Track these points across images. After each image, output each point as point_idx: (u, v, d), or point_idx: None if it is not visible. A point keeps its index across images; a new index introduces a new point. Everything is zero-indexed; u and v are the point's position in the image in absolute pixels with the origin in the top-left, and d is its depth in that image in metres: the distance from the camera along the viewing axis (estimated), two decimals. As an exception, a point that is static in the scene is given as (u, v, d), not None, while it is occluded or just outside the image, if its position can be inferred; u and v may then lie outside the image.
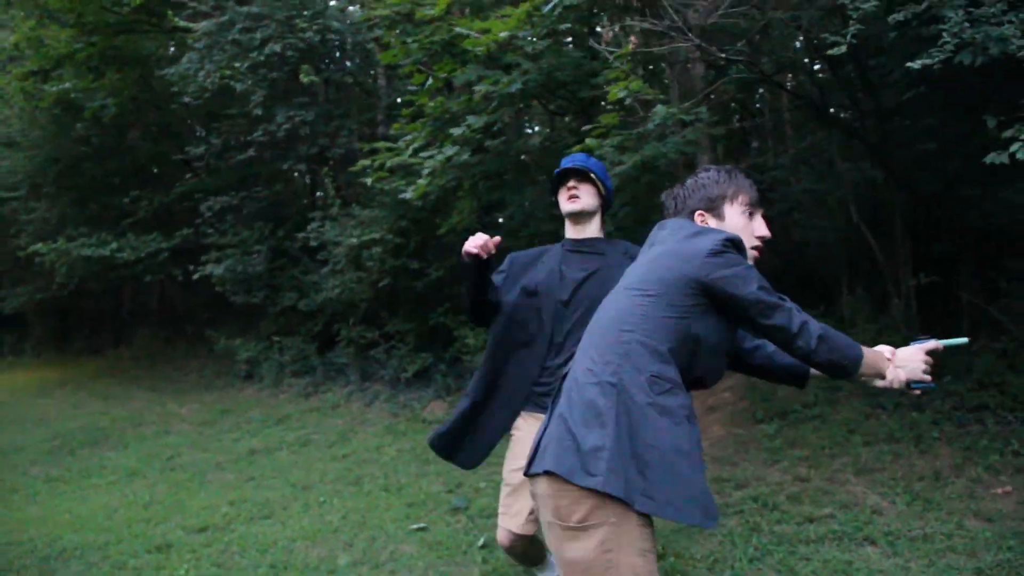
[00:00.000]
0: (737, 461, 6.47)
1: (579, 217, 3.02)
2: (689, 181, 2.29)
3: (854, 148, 8.70)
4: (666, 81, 10.08)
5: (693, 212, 2.24)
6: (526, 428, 3.00)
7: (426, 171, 6.52)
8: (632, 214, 6.89)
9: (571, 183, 3.00)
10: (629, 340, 2.05)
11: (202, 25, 9.15)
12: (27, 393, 14.76)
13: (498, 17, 5.40)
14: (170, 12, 9.36)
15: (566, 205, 3.02)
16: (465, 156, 6.56)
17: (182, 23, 9.29)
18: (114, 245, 12.29)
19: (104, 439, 9.71)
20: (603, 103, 5.94)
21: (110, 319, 20.00)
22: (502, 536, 3.04)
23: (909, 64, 3.61)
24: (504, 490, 3.08)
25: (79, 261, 12.80)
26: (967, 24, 3.62)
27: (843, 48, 3.84)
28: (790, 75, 7.82)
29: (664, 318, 2.04)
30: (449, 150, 6.36)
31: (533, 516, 2.94)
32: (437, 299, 9.51)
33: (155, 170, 13.59)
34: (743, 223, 2.23)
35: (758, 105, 12.82)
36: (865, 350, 2.05)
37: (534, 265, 3.10)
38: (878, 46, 5.38)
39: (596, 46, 4.93)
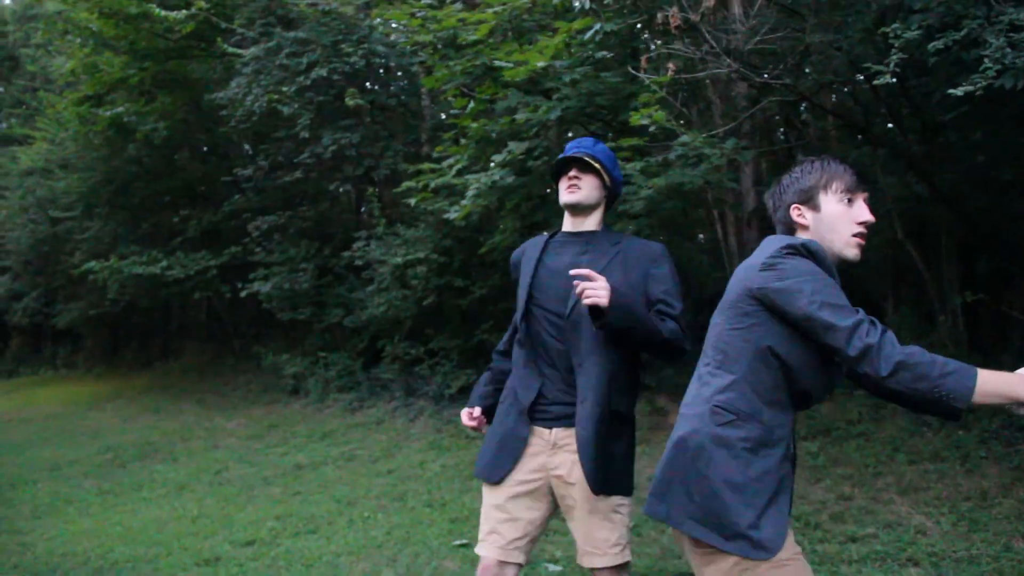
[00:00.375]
0: (780, 479, 6.44)
1: (577, 209, 2.76)
2: (784, 177, 2.21)
3: (898, 163, 8.66)
4: (702, 105, 10.14)
5: (789, 208, 2.15)
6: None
7: (470, 193, 6.63)
8: (656, 237, 6.94)
9: (573, 172, 2.73)
10: (706, 365, 2.09)
11: (250, 51, 9.40)
12: (80, 406, 15.11)
13: (535, 48, 5.51)
14: (220, 39, 9.62)
15: (564, 195, 2.75)
16: (509, 179, 6.65)
17: (231, 49, 9.55)
18: (164, 263, 12.59)
19: (154, 452, 9.93)
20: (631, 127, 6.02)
21: (160, 334, 20.44)
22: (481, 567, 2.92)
23: (951, 91, 3.63)
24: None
25: (130, 278, 13.13)
26: (1008, 49, 3.62)
27: (888, 78, 3.87)
28: (833, 95, 7.79)
29: (732, 331, 2.04)
30: (496, 174, 6.46)
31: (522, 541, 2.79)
32: (481, 316, 9.61)
33: (204, 190, 13.88)
34: (841, 211, 2.09)
35: (803, 120, 12.79)
36: (986, 375, 1.79)
37: (519, 262, 2.91)
38: (921, 67, 5.38)
39: (634, 72, 4.98)
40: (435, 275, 9.22)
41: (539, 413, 2.68)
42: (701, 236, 12.71)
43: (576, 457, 2.57)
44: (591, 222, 2.78)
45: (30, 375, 22.72)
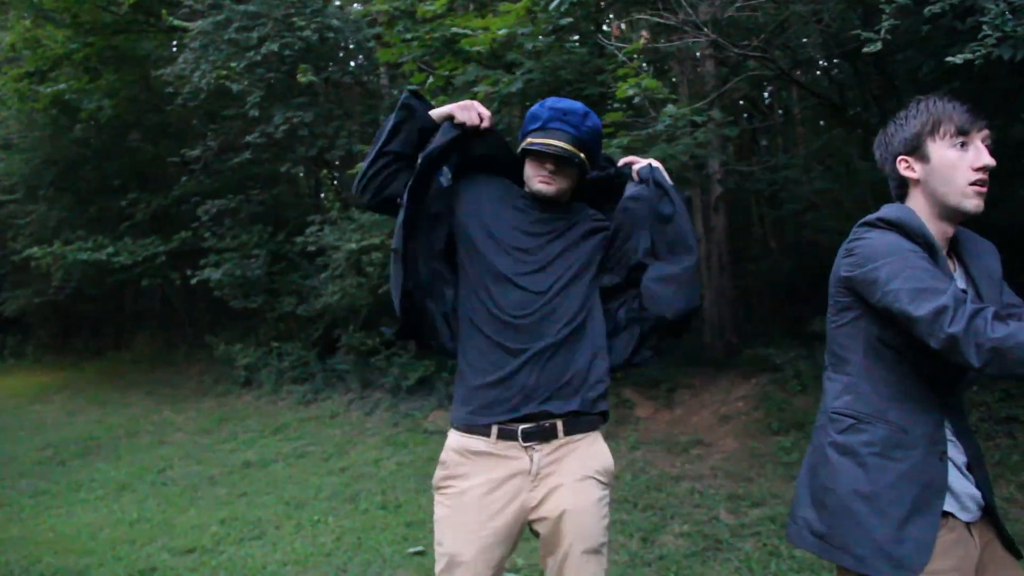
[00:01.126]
0: (752, 477, 6.18)
1: (548, 201, 2.29)
2: (890, 124, 1.93)
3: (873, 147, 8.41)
4: (674, 79, 9.79)
5: (896, 160, 1.88)
6: (476, 472, 2.17)
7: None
8: None
9: (550, 165, 2.22)
10: (824, 371, 1.92)
11: (196, 24, 8.88)
12: (25, 398, 14.49)
13: (497, 14, 5.11)
14: (164, 11, 9.08)
15: (536, 185, 2.24)
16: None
17: (177, 22, 9.02)
18: (110, 249, 12.04)
19: (97, 449, 9.45)
20: (610, 102, 5.63)
21: (111, 322, 19.76)
22: None
23: (949, 58, 3.31)
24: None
25: (76, 265, 12.55)
26: (1008, 15, 3.32)
27: (878, 45, 3.54)
28: (805, 73, 7.50)
29: (836, 328, 1.86)
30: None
31: None
32: (440, 305, 9.20)
33: (154, 172, 13.29)
34: (955, 157, 1.79)
35: (767, 102, 12.56)
36: None
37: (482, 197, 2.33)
38: (908, 39, 5.09)
39: (604, 42, 4.61)
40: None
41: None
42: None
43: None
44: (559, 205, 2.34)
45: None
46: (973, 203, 1.78)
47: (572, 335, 2.21)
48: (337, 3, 8.34)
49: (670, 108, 4.64)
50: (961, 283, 1.84)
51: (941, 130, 1.81)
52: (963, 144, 1.80)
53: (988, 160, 1.79)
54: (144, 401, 12.49)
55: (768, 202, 11.60)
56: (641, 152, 5.00)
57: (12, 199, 14.26)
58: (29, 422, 11.91)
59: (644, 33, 4.50)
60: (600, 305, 2.31)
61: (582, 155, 2.23)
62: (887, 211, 1.79)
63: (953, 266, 1.87)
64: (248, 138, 9.43)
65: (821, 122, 11.15)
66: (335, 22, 8.65)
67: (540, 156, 2.23)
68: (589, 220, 2.36)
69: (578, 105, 2.31)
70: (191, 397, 12.28)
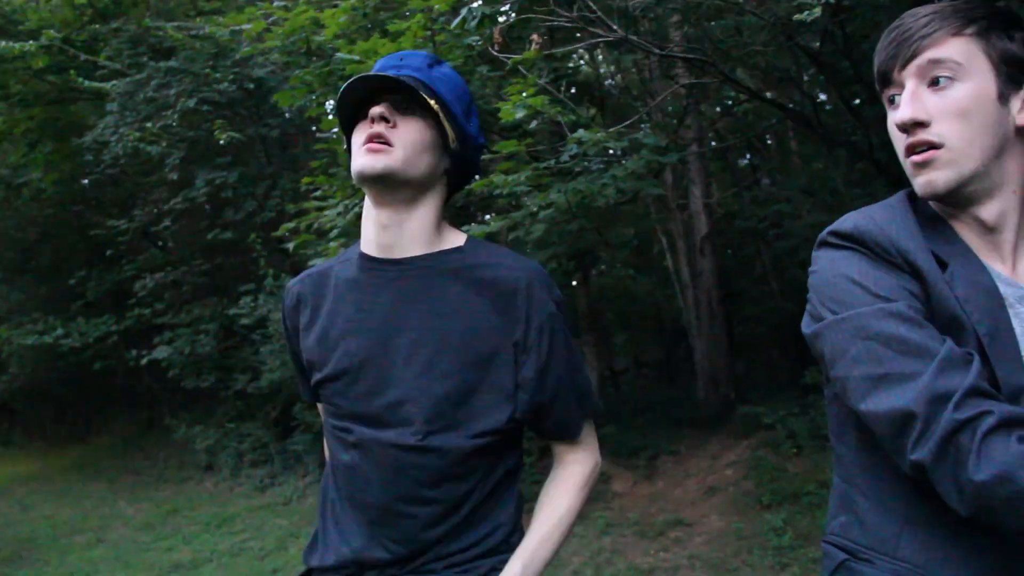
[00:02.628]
0: (737, 566, 5.18)
1: (384, 188, 1.43)
2: None
3: (864, 172, 7.55)
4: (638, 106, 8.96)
5: None
6: None
7: (334, 233, 5.42)
8: (559, 272, 5.63)
9: (380, 110, 1.41)
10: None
11: (111, 84, 8.18)
12: (-9, 491, 13.68)
13: (388, 38, 4.27)
14: (73, 72, 8.39)
15: (359, 159, 1.41)
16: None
17: (90, 84, 8.32)
18: (59, 331, 11.25)
19: (28, 553, 8.54)
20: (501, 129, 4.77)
21: (94, 405, 18.98)
22: None
23: None
24: None
25: (28, 350, 11.81)
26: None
27: (816, 11, 2.65)
28: (777, 89, 6.63)
29: (828, 404, 1.30)
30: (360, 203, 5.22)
31: None
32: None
33: (107, 247, 12.57)
34: (889, 121, 1.23)
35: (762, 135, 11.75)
36: None
37: (302, 316, 1.60)
38: (872, 21, 4.25)
39: (494, 52, 3.77)
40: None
41: None
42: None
43: None
44: (419, 218, 1.48)
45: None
46: (919, 183, 1.18)
47: None
48: (252, 48, 7.59)
49: (580, 133, 3.75)
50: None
51: (879, 86, 1.25)
52: (892, 98, 1.22)
53: (905, 114, 1.15)
54: (103, 492, 11.62)
55: (763, 239, 10.68)
56: (550, 190, 4.11)
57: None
58: (-27, 521, 11.05)
59: (535, 38, 3.63)
60: None
61: (432, 102, 1.41)
62: (849, 216, 1.20)
63: (1011, 269, 1.19)
64: (168, 205, 8.65)
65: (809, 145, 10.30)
66: (258, 72, 7.87)
67: (362, 100, 1.44)
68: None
69: (419, 53, 1.55)
70: (151, 485, 11.42)
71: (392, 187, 1.41)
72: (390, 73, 1.43)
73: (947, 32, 1.16)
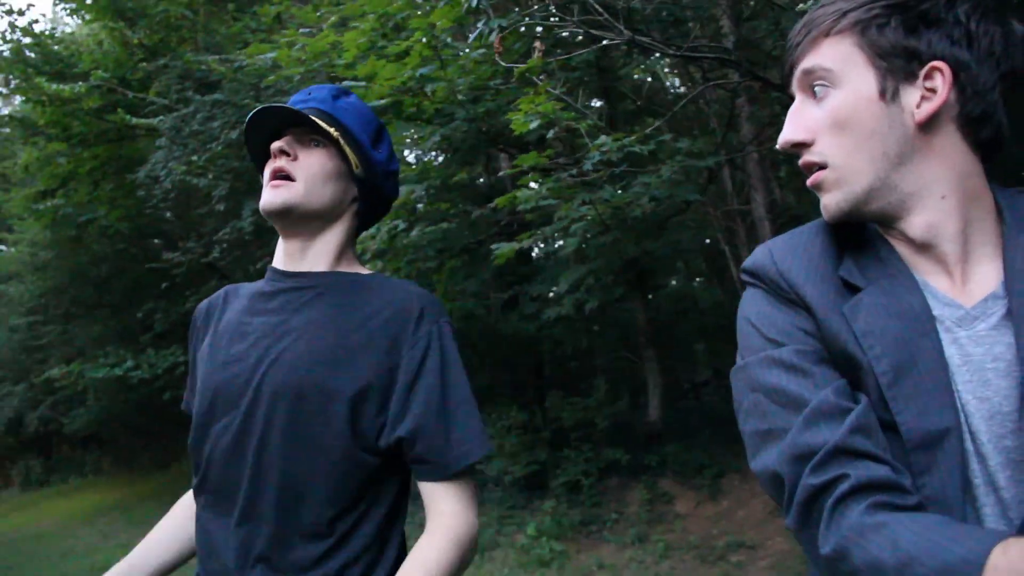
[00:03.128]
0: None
1: (288, 221, 1.46)
2: None
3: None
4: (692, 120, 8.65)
5: None
6: None
7: (367, 256, 5.32)
8: (597, 288, 5.39)
9: (278, 146, 1.43)
10: None
11: (158, 119, 8.31)
12: (77, 520, 14.14)
13: (385, 59, 4.13)
14: (122, 110, 8.56)
15: (263, 195, 1.45)
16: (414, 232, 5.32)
17: (134, 120, 8.48)
18: (129, 363, 11.51)
19: (100, 585, 8.68)
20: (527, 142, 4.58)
21: (174, 434, 19.48)
22: None
23: None
24: None
25: (101, 382, 12.13)
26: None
27: None
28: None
29: None
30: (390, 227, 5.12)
31: None
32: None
33: (172, 279, 12.88)
34: None
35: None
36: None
37: (208, 326, 1.56)
38: None
39: (500, 61, 3.58)
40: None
41: None
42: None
43: None
44: (323, 248, 1.50)
45: (60, 483, 22.09)
46: (821, 207, 1.06)
47: None
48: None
49: (603, 139, 3.54)
50: (994, 319, 0.98)
51: None
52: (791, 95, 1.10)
53: (781, 136, 1.06)
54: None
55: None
56: (572, 202, 3.90)
57: (36, 320, 14.08)
58: (61, 550, 11.34)
59: (538, 44, 3.43)
60: None
61: (333, 131, 1.45)
62: (757, 248, 1.13)
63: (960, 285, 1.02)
64: (217, 236, 8.72)
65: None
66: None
67: (271, 134, 1.50)
68: None
69: (325, 86, 1.58)
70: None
71: (296, 220, 1.45)
72: (295, 107, 1.46)
73: (818, 34, 1.02)
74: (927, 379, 0.93)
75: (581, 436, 7.67)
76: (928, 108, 0.97)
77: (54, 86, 8.50)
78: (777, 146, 1.05)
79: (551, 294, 5.49)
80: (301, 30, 5.55)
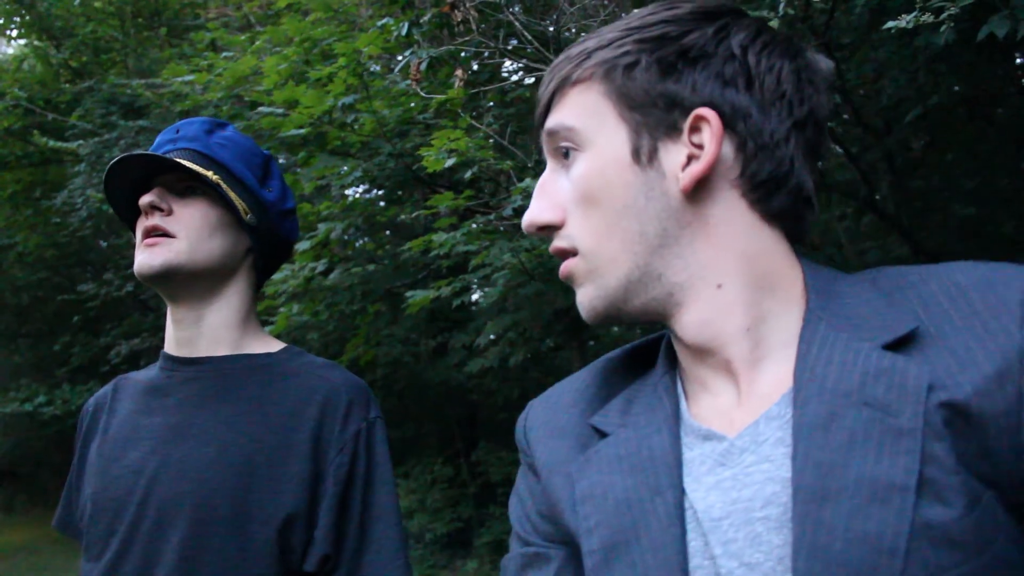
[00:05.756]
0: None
1: (171, 285, 1.24)
2: None
3: (875, 224, 7.02)
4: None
5: None
6: None
7: (282, 299, 5.01)
8: (524, 350, 5.15)
9: (147, 201, 1.22)
10: None
11: (77, 144, 7.93)
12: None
13: (306, 83, 3.87)
14: (37, 133, 8.18)
15: (136, 258, 1.24)
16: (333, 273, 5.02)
17: (52, 143, 8.09)
18: (41, 399, 10.96)
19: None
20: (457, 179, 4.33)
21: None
22: None
23: (890, 24, 1.89)
24: None
25: (12, 417, 11.54)
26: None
27: (783, 9, 2.15)
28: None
29: None
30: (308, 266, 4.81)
31: None
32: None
33: (93, 311, 12.40)
34: None
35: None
36: None
37: (95, 429, 1.36)
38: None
39: (413, 88, 3.33)
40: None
41: None
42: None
43: None
44: (220, 321, 1.29)
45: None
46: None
47: None
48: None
49: (528, 182, 3.29)
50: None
51: None
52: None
53: (530, 216, 0.83)
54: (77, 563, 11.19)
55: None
56: (490, 248, 3.64)
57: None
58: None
59: (458, 72, 3.19)
60: None
61: (210, 175, 1.23)
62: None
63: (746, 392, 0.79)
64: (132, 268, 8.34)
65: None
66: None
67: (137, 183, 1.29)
68: None
69: (196, 119, 1.36)
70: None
71: (182, 283, 1.24)
72: (161, 150, 1.25)
73: (562, 83, 0.79)
74: (651, 558, 0.69)
75: (509, 492, 7.35)
76: (694, 171, 0.73)
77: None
78: (523, 230, 0.81)
79: (476, 344, 5.24)
80: (223, 54, 5.26)
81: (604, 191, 0.75)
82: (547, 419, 0.84)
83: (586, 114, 0.76)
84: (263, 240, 1.31)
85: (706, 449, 0.73)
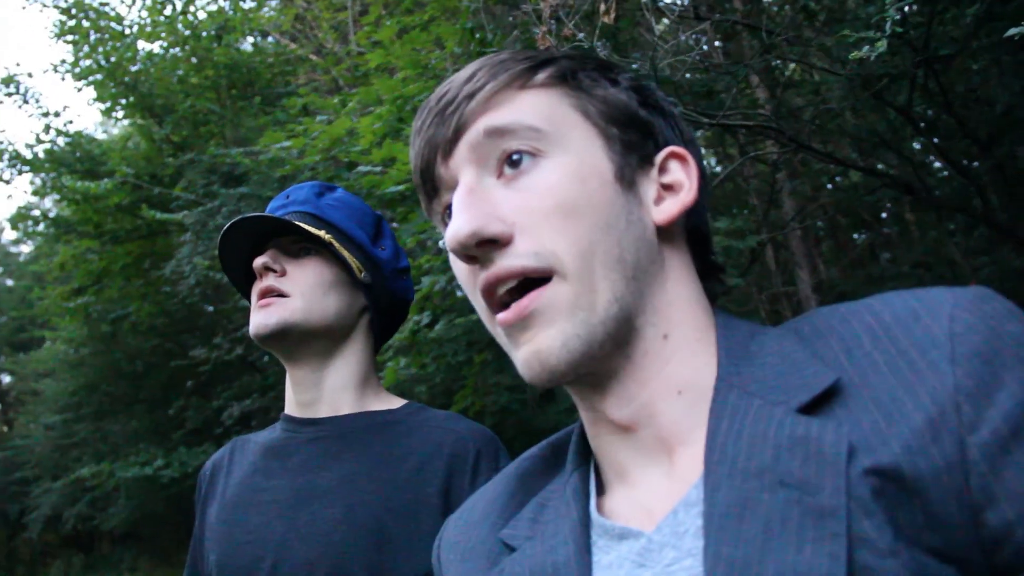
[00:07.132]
0: None
1: (287, 345, 1.23)
2: None
3: (987, 237, 6.68)
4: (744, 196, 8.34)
5: None
6: None
7: (388, 354, 5.03)
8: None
9: (261, 263, 1.22)
10: None
11: (182, 215, 8.23)
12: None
13: (402, 140, 3.90)
14: (145, 206, 8.53)
15: (252, 319, 1.24)
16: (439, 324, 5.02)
17: (159, 215, 8.41)
18: (160, 462, 11.31)
19: None
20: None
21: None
22: None
23: (1012, 31, 1.76)
24: None
25: (133, 481, 11.93)
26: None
27: (881, 46, 2.04)
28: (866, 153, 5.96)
29: None
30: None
31: None
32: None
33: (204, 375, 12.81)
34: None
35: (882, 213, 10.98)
36: None
37: (213, 492, 1.34)
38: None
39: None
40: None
41: None
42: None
43: None
44: (340, 383, 1.26)
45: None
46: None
47: None
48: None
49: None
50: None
51: (423, 201, 0.79)
52: (447, 214, 0.73)
53: (457, 229, 0.65)
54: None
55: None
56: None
57: (68, 417, 14.08)
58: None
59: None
60: None
61: (324, 234, 1.22)
62: None
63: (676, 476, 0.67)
64: (242, 331, 8.56)
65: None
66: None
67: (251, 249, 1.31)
68: None
69: (307, 184, 1.36)
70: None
71: (297, 342, 1.22)
72: (273, 214, 1.24)
73: (505, 85, 0.67)
74: None
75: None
76: (672, 208, 0.68)
77: (79, 184, 8.52)
78: (448, 245, 0.65)
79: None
80: (318, 118, 5.37)
81: (587, 202, 0.64)
82: (458, 539, 0.76)
83: (552, 117, 0.66)
84: (378, 298, 1.29)
85: (623, 550, 0.62)
